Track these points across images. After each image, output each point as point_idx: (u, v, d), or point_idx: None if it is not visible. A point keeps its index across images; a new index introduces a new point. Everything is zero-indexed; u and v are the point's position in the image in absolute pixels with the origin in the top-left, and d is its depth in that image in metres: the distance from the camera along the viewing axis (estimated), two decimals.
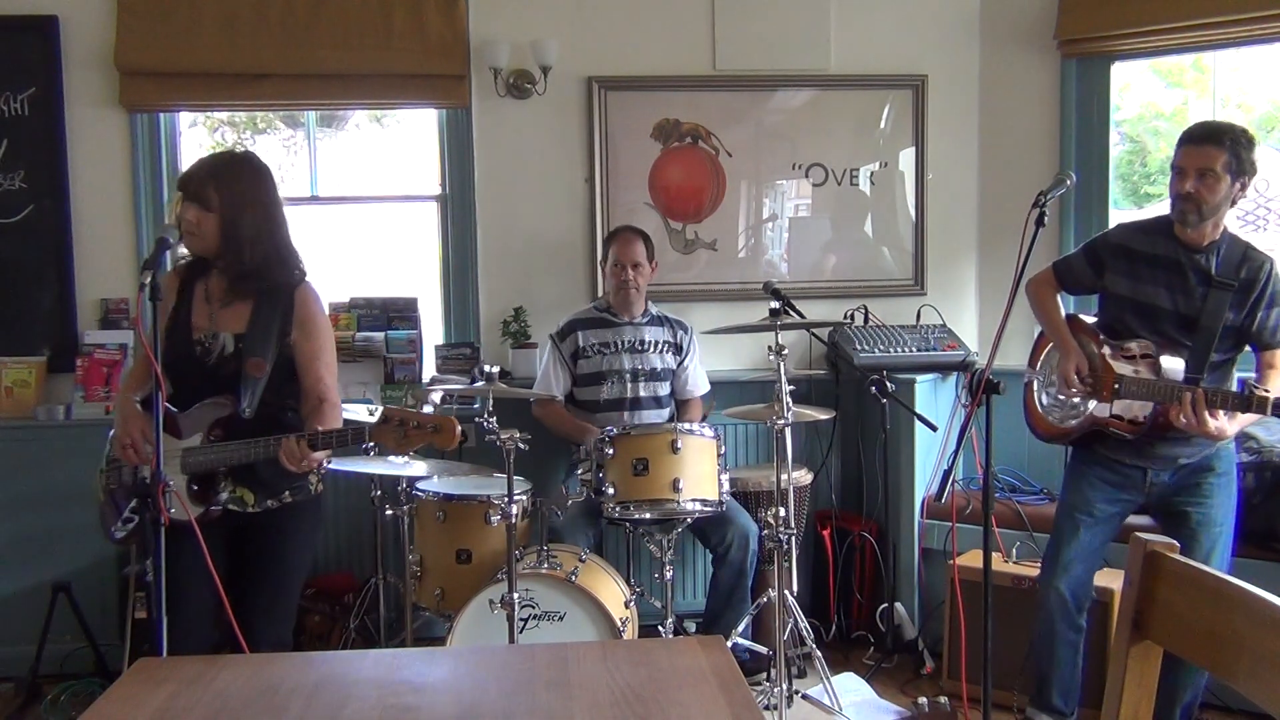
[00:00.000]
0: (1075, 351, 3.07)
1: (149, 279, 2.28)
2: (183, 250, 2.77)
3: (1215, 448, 2.99)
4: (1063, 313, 3.21)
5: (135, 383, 2.77)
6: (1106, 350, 3.03)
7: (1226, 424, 2.80)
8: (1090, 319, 3.16)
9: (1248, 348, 2.99)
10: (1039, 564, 3.29)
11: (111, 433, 2.74)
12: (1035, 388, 3.27)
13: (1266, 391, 2.66)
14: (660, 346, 3.91)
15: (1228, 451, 3.04)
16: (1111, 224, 3.95)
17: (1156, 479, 3.03)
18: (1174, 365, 2.90)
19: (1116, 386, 2.95)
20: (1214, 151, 2.81)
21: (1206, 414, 2.74)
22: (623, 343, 3.86)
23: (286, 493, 2.73)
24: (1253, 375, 2.98)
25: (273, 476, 2.68)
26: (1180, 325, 2.94)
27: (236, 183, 2.61)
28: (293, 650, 2.82)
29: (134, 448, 2.59)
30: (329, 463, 2.84)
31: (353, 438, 2.53)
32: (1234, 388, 2.98)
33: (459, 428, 2.48)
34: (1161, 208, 3.06)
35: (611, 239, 3.93)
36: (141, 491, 2.29)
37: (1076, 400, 3.08)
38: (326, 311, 2.80)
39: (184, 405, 2.65)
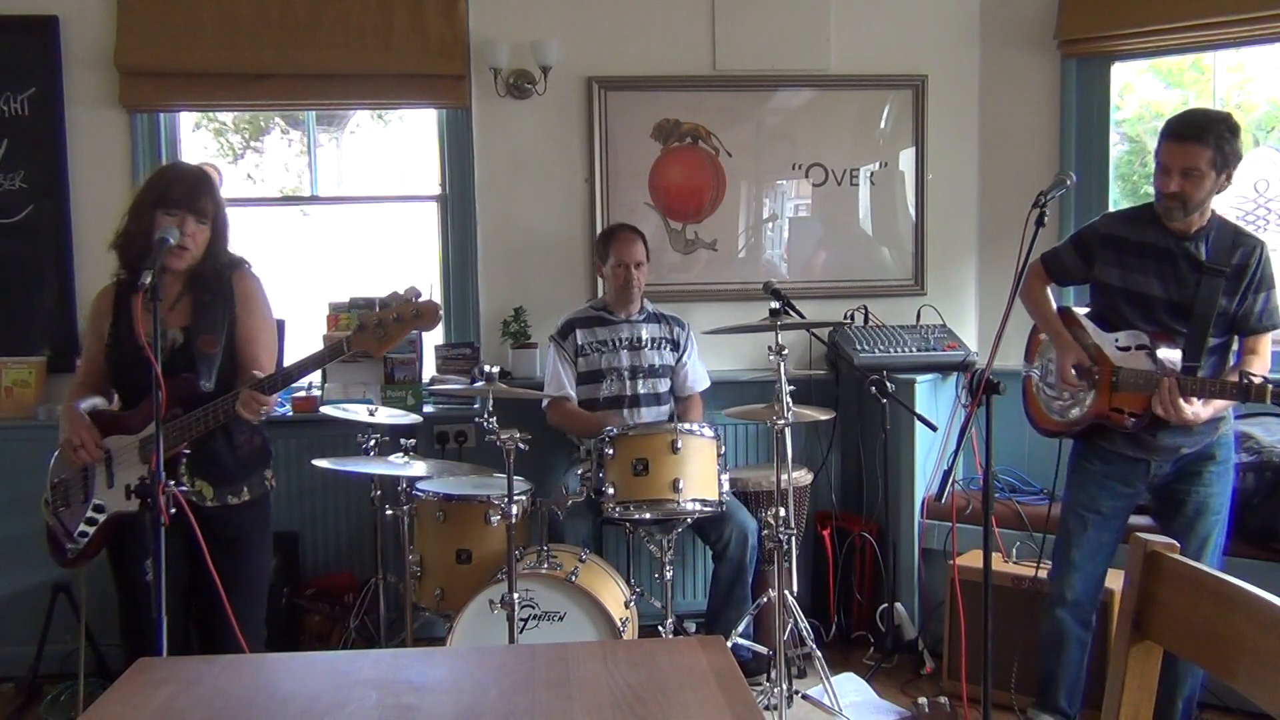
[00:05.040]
0: (1072, 346, 3.06)
1: (149, 279, 2.28)
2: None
3: (1215, 436, 2.99)
4: (1054, 306, 3.20)
5: (81, 391, 2.76)
6: (1102, 343, 3.03)
7: (1200, 408, 2.81)
8: (1083, 310, 3.15)
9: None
10: (1038, 564, 3.29)
11: (54, 457, 2.75)
12: (1034, 382, 3.27)
13: (1265, 379, 2.65)
14: (658, 343, 3.92)
15: (1227, 441, 3.04)
16: None
17: (1159, 470, 3.02)
18: (1171, 356, 2.90)
19: (1114, 379, 2.95)
20: (1198, 149, 2.78)
21: (1181, 401, 2.76)
22: (620, 340, 3.87)
23: (245, 489, 2.75)
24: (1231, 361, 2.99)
25: (231, 466, 2.71)
26: (1174, 313, 2.93)
27: (216, 193, 2.71)
28: (267, 650, 2.82)
29: (84, 448, 2.60)
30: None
31: (330, 355, 2.57)
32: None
33: (439, 308, 2.54)
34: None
35: (609, 239, 3.92)
36: (142, 491, 2.29)
37: (1076, 394, 3.08)
38: (268, 298, 2.84)
39: (132, 406, 2.68)
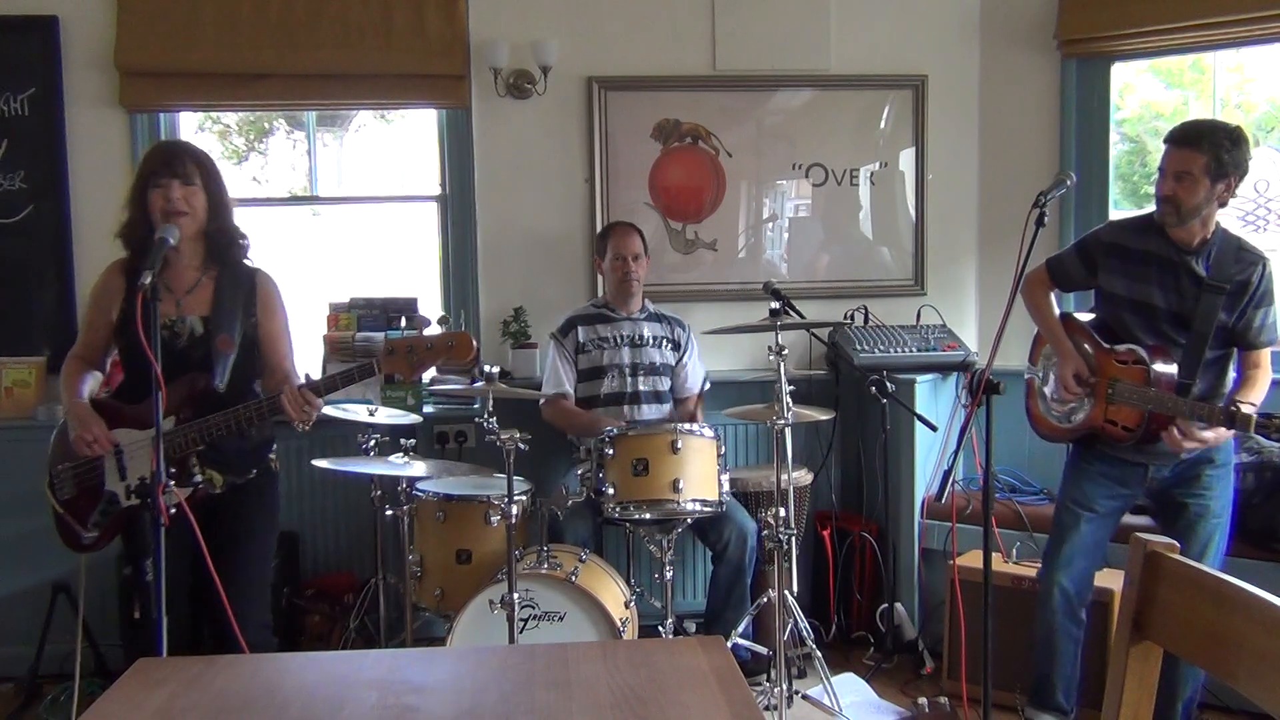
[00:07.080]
0: (1072, 356, 3.06)
1: (149, 279, 2.29)
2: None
3: None
4: (1057, 313, 3.20)
5: (77, 376, 2.76)
6: (1101, 353, 3.03)
7: (1208, 433, 2.81)
8: (1085, 317, 3.16)
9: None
10: (1039, 563, 3.29)
11: (52, 443, 2.77)
12: (1036, 385, 3.27)
13: (1250, 407, 2.66)
14: (659, 342, 3.92)
15: (1227, 444, 3.04)
16: None
17: (1158, 474, 3.03)
18: (1167, 371, 2.90)
19: (1110, 391, 2.95)
20: (1191, 155, 2.80)
21: (1197, 431, 2.76)
22: (622, 337, 3.87)
23: (253, 471, 2.77)
24: (1231, 375, 2.99)
25: (240, 455, 2.73)
26: (1175, 324, 2.94)
27: (206, 160, 2.71)
28: (272, 632, 2.86)
29: (98, 444, 2.61)
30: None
31: (360, 374, 2.60)
32: (1230, 382, 2.99)
33: (474, 341, 2.56)
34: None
35: (607, 234, 3.96)
36: (142, 491, 2.29)
37: (1074, 403, 3.08)
38: (284, 298, 2.86)
39: (141, 395, 2.66)
